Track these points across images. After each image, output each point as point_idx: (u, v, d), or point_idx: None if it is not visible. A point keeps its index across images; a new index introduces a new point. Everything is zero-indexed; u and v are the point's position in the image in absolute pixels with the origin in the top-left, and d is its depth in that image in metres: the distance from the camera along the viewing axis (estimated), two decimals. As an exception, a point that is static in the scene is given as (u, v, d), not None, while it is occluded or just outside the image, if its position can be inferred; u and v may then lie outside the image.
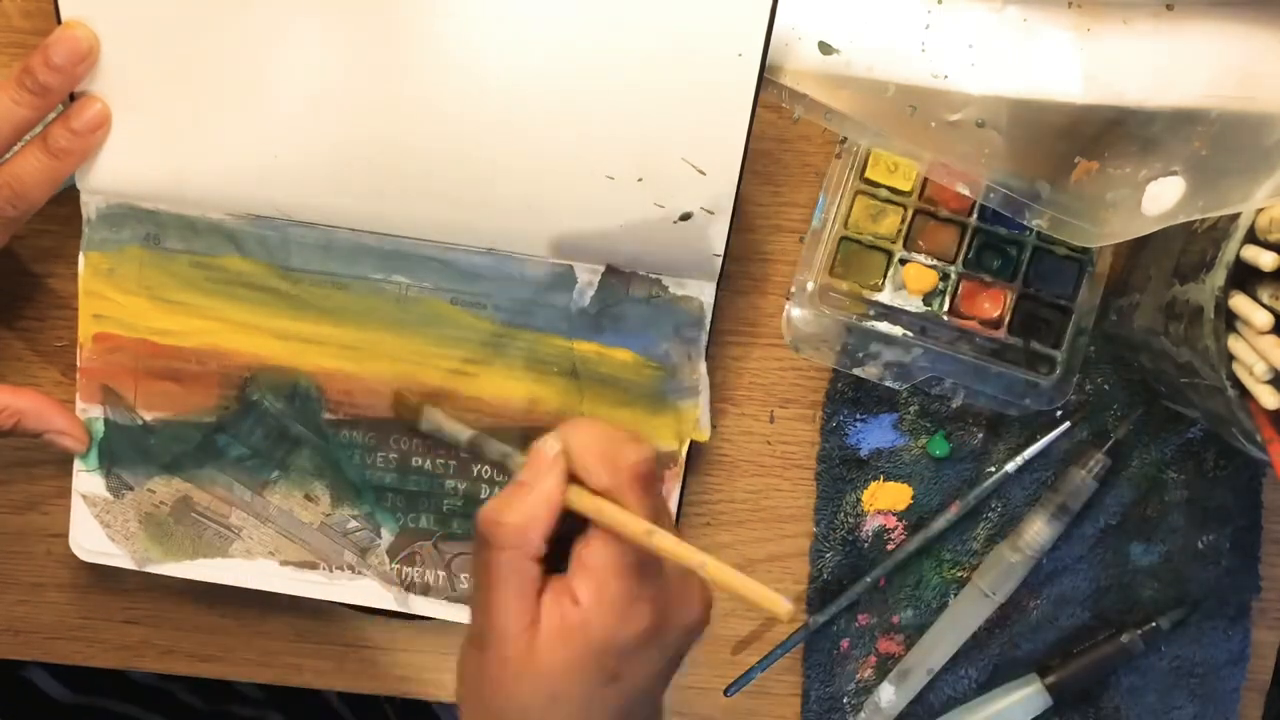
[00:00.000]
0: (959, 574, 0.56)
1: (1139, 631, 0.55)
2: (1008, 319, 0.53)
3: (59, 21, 0.47)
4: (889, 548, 0.56)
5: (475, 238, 0.51)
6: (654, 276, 0.52)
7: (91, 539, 0.54)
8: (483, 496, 0.54)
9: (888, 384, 0.54)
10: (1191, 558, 0.56)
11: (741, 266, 0.55)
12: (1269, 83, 0.49)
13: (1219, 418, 0.47)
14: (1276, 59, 0.49)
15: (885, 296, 0.53)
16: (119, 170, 0.50)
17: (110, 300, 0.52)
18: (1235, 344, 0.43)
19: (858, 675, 0.57)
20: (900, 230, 0.53)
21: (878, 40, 0.51)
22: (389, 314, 0.52)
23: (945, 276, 0.53)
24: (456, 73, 0.48)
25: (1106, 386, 0.55)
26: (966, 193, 0.50)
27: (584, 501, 0.40)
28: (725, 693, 0.57)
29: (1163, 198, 0.47)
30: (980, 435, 0.55)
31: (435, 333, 0.52)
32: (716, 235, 0.50)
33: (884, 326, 0.53)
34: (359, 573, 0.54)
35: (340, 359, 0.53)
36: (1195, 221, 0.47)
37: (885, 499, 0.56)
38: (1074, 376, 0.53)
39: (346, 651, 0.58)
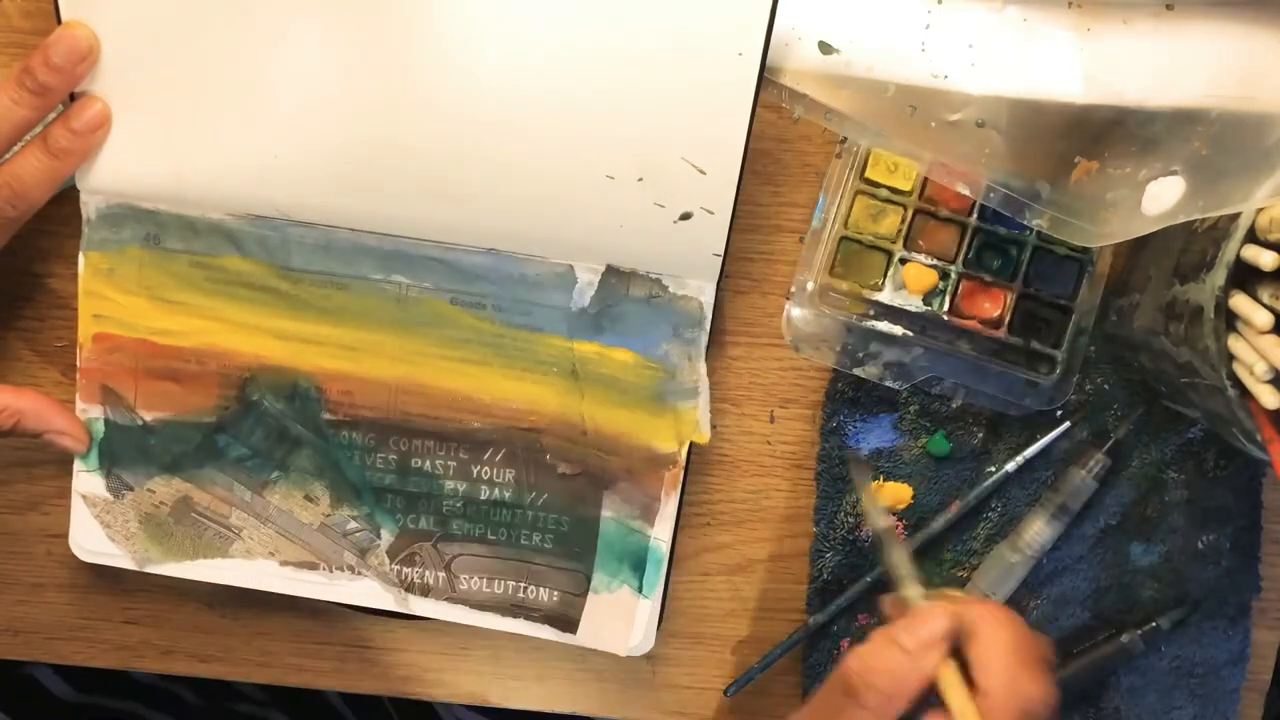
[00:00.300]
0: (959, 574, 0.56)
1: (1139, 631, 0.55)
2: (1008, 319, 0.53)
3: (59, 21, 0.47)
4: (889, 548, 0.56)
5: (475, 238, 0.51)
6: (654, 276, 0.52)
7: (91, 539, 0.54)
8: (482, 497, 0.54)
9: (888, 384, 0.54)
10: (1191, 558, 0.56)
11: (741, 266, 0.55)
12: (1269, 83, 0.49)
13: (1219, 418, 0.47)
14: (1276, 59, 0.49)
15: (885, 296, 0.53)
16: (119, 170, 0.50)
17: (110, 300, 0.52)
18: (1235, 344, 0.43)
19: (858, 675, 0.57)
20: (900, 230, 0.53)
21: (878, 40, 0.51)
22: (389, 314, 0.52)
23: (945, 276, 0.53)
24: (456, 72, 0.48)
25: (1106, 386, 0.55)
26: (966, 193, 0.50)
27: (953, 692, 0.41)
28: (725, 693, 0.57)
29: (1163, 198, 0.47)
30: (980, 435, 0.55)
31: (435, 333, 0.52)
32: (716, 235, 0.50)
33: (884, 326, 0.53)
34: (359, 573, 0.54)
35: (340, 359, 0.53)
36: (1195, 221, 0.47)
37: (885, 499, 0.56)
38: (1074, 376, 0.53)
39: (346, 651, 0.59)
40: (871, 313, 0.53)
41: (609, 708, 0.59)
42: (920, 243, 0.53)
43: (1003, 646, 0.42)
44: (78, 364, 0.53)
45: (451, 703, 0.62)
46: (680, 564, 0.57)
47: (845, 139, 0.53)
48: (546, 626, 0.55)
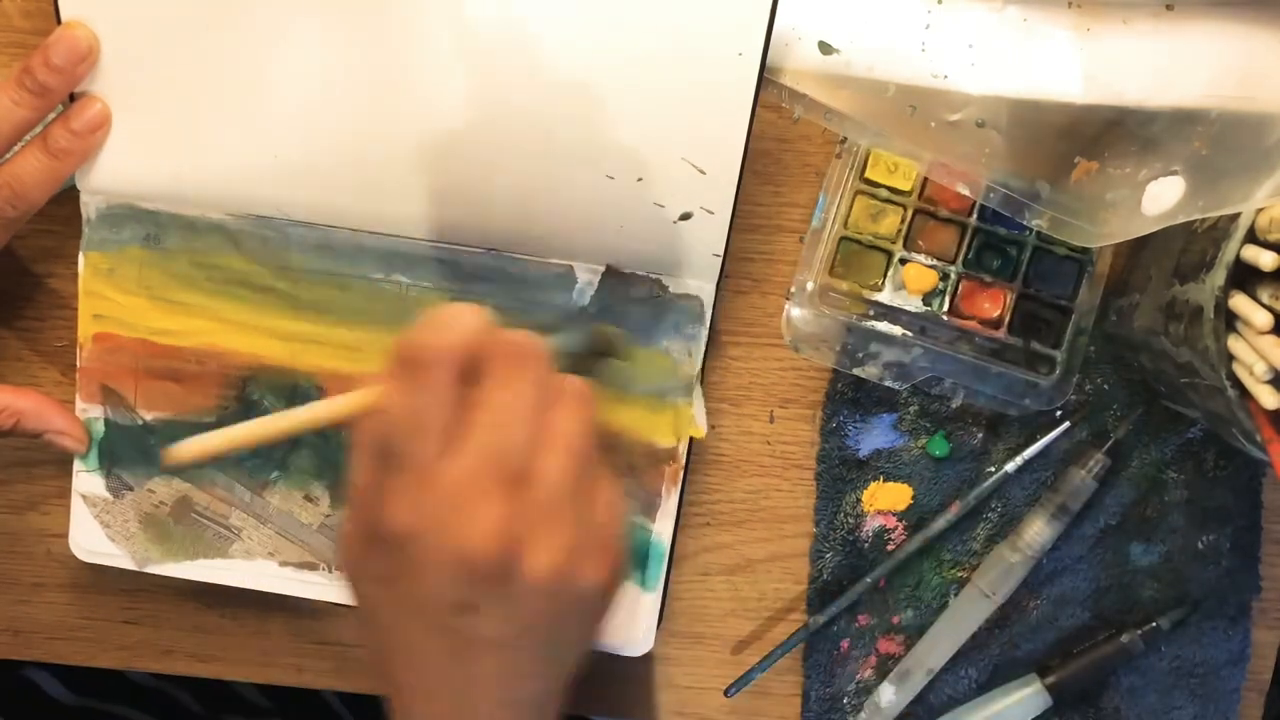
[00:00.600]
0: (959, 574, 0.56)
1: (1139, 631, 0.55)
2: (1008, 319, 0.53)
3: (59, 21, 0.47)
4: (889, 548, 0.56)
5: (475, 238, 0.51)
6: (654, 276, 0.52)
7: (91, 539, 0.54)
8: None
9: (888, 384, 0.54)
10: (1191, 558, 0.56)
11: (741, 266, 0.55)
12: (1269, 83, 0.49)
13: (1219, 418, 0.47)
14: (1276, 59, 0.49)
15: (885, 296, 0.53)
16: (119, 170, 0.50)
17: (110, 300, 0.52)
18: (1235, 344, 0.43)
19: (858, 675, 0.57)
20: (900, 230, 0.53)
21: (878, 40, 0.51)
22: (389, 314, 0.52)
23: (945, 276, 0.53)
24: (456, 73, 0.48)
25: (1106, 386, 0.55)
26: (966, 193, 0.50)
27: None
28: (725, 693, 0.57)
29: (1163, 198, 0.47)
30: (980, 435, 0.55)
31: (435, 333, 0.52)
32: (716, 235, 0.50)
33: (884, 326, 0.53)
34: (359, 573, 0.54)
35: (340, 359, 0.53)
36: (1195, 221, 0.47)
37: (885, 499, 0.56)
38: (1074, 376, 0.53)
39: (346, 651, 0.58)
40: (871, 313, 0.53)
41: (609, 708, 0.59)
42: (920, 243, 0.53)
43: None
44: (78, 364, 0.53)
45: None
46: (680, 563, 0.57)
47: (845, 139, 0.53)
48: (546, 626, 0.55)
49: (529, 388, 0.38)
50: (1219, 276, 0.43)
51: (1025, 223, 0.50)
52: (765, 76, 0.47)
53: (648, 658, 0.56)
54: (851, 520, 0.56)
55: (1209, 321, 0.43)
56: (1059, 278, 0.53)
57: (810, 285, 0.53)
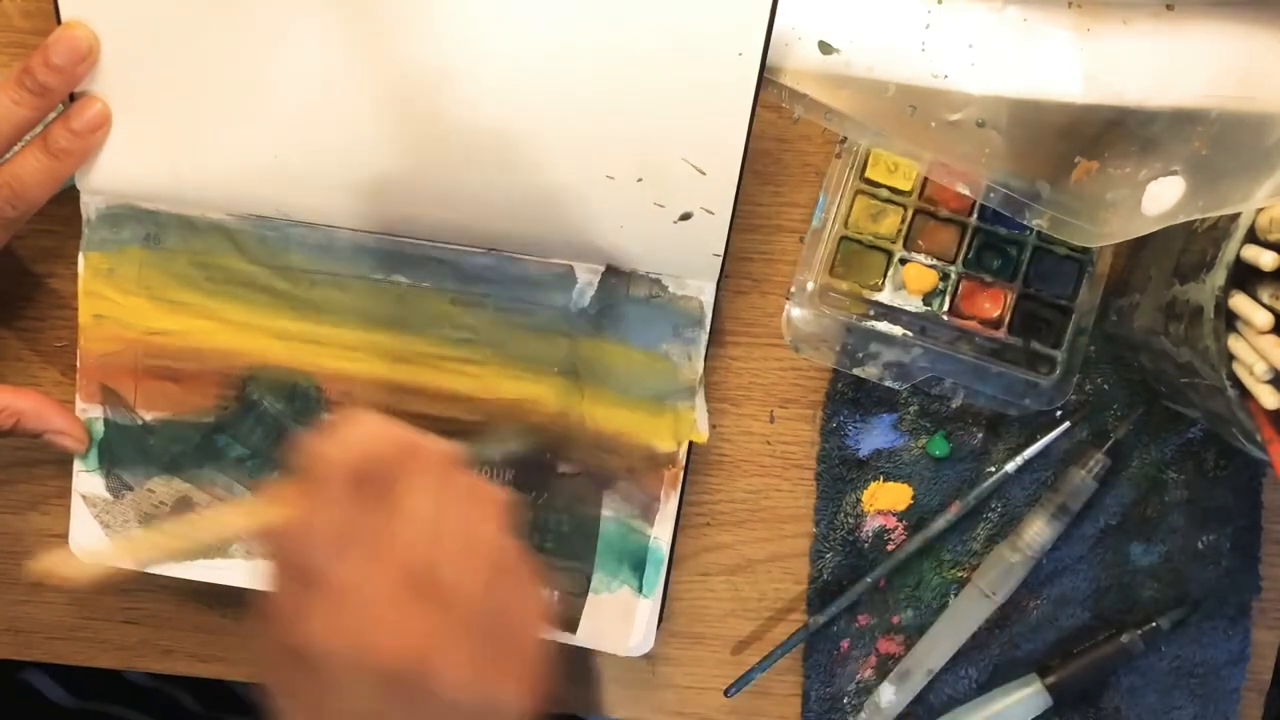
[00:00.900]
0: (959, 574, 0.56)
1: (1139, 631, 0.55)
2: (1008, 319, 0.53)
3: (59, 21, 0.47)
4: (889, 548, 0.56)
5: (475, 238, 0.51)
6: (654, 276, 0.52)
7: (91, 539, 0.54)
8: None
9: (888, 384, 0.54)
10: (1191, 558, 0.56)
11: (741, 266, 0.55)
12: (1269, 83, 0.49)
13: (1219, 418, 0.47)
14: (1276, 59, 0.49)
15: (885, 296, 0.53)
16: (119, 170, 0.50)
17: (110, 300, 0.52)
18: (1235, 344, 0.43)
19: (858, 675, 0.57)
20: (900, 230, 0.53)
21: (878, 40, 0.51)
22: (389, 314, 0.52)
23: (945, 276, 0.53)
24: (456, 72, 0.48)
25: (1106, 386, 0.55)
26: (966, 193, 0.50)
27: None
28: (725, 693, 0.57)
29: (1163, 198, 0.47)
30: (980, 435, 0.55)
31: (435, 333, 0.52)
32: (716, 235, 0.50)
33: (884, 326, 0.53)
34: (359, 573, 0.54)
35: (340, 359, 0.53)
36: (1195, 221, 0.47)
37: (885, 499, 0.56)
38: (1074, 376, 0.53)
39: (346, 651, 0.58)
40: (871, 313, 0.53)
41: (609, 708, 0.59)
42: (920, 243, 0.53)
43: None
44: (77, 364, 0.53)
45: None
46: (680, 564, 0.57)
47: (845, 139, 0.53)
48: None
49: (443, 497, 0.38)
50: (1219, 276, 0.43)
51: (1025, 223, 0.50)
52: (765, 76, 0.47)
53: (648, 658, 0.56)
54: (851, 520, 0.56)
55: (1209, 321, 0.43)
56: (1059, 278, 0.53)
57: (810, 285, 0.53)
